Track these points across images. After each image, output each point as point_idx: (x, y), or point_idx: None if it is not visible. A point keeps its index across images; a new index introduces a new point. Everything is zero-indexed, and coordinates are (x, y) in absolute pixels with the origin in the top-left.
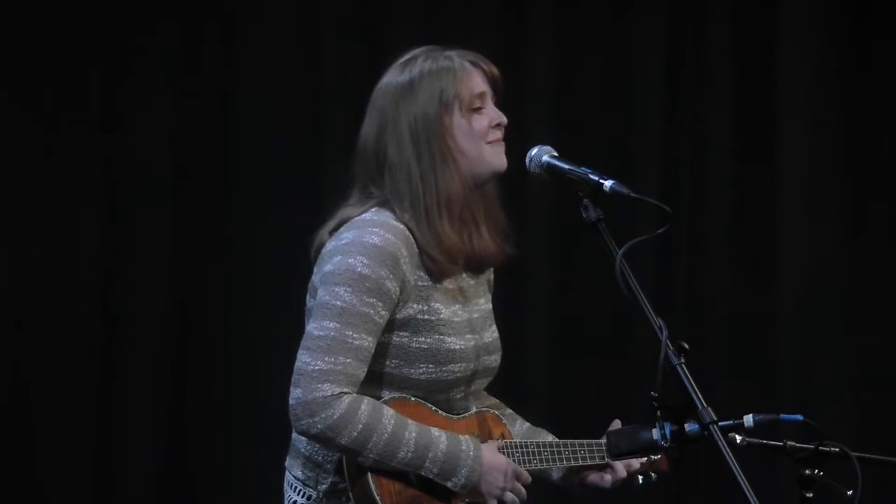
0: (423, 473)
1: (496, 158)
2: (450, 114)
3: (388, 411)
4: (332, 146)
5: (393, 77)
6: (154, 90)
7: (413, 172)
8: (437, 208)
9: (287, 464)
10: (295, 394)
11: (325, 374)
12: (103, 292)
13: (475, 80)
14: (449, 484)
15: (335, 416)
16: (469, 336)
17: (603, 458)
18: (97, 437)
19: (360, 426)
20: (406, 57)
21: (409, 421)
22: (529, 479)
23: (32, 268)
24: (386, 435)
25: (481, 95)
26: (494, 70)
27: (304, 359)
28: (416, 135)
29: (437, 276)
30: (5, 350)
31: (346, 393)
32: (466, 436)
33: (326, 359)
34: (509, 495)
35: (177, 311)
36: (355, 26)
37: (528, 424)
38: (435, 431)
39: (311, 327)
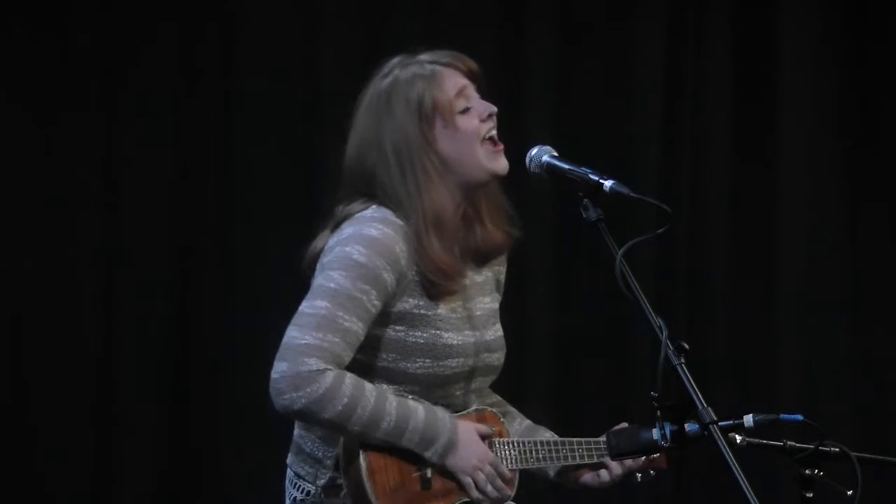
0: (403, 444)
1: (494, 162)
2: (431, 126)
3: (369, 385)
4: (332, 146)
5: (371, 94)
6: (154, 90)
7: (401, 193)
8: (426, 228)
9: (289, 460)
10: (280, 367)
11: (312, 349)
12: (103, 292)
13: (450, 82)
14: (427, 454)
15: (320, 391)
16: (468, 332)
17: (601, 456)
18: (97, 436)
19: (346, 399)
20: (382, 71)
21: (389, 393)
22: (508, 474)
23: (32, 267)
24: (369, 408)
25: (462, 92)
26: (471, 64)
27: (291, 333)
28: (400, 154)
29: (437, 294)
30: (5, 350)
31: (330, 370)
32: (442, 409)
33: (315, 334)
34: (490, 487)
35: (177, 311)
36: (355, 27)
37: (528, 422)
38: (412, 403)
39: (303, 306)
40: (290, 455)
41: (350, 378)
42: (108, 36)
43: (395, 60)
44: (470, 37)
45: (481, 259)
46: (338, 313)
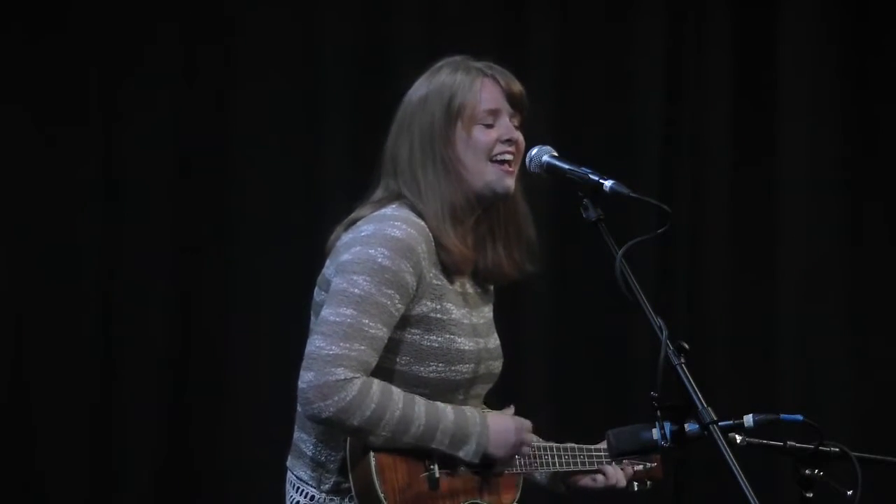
0: (434, 446)
1: (497, 180)
2: (453, 125)
3: (396, 389)
4: (332, 146)
5: (418, 84)
6: (154, 90)
7: (419, 177)
8: (441, 215)
9: (289, 463)
10: (306, 377)
11: (339, 358)
12: (103, 292)
13: (486, 96)
14: (461, 453)
15: (348, 399)
16: (475, 339)
17: (601, 463)
18: (97, 436)
19: (374, 405)
20: (437, 65)
21: (416, 396)
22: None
23: (32, 267)
24: (398, 412)
25: (494, 112)
26: (515, 87)
27: (318, 343)
28: (424, 141)
29: (451, 273)
30: (5, 350)
31: (357, 378)
32: (468, 407)
33: (342, 344)
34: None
35: (177, 311)
36: (355, 27)
37: None
38: (440, 405)
39: (327, 313)
40: (289, 458)
41: (378, 384)
42: (108, 36)
43: (450, 60)
44: (470, 36)
45: (482, 278)
46: (364, 321)
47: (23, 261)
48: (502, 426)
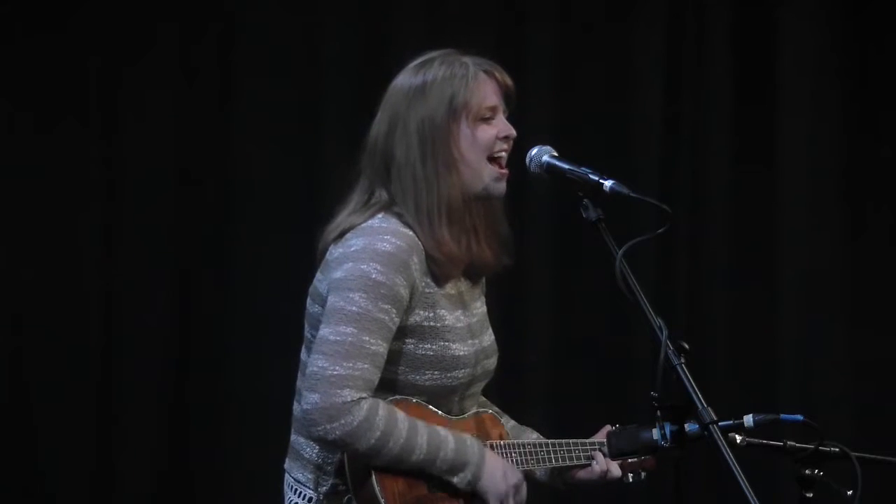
0: (432, 472)
1: (494, 182)
2: (457, 121)
3: (400, 415)
4: (332, 146)
5: (407, 78)
6: (154, 90)
7: (418, 174)
8: (438, 213)
9: (286, 465)
10: (312, 399)
11: (344, 379)
12: (103, 292)
13: (487, 92)
14: (455, 479)
15: (354, 423)
16: (471, 341)
17: (595, 451)
18: (97, 436)
19: (378, 433)
20: (422, 59)
21: (419, 423)
22: (525, 495)
23: (32, 268)
24: (401, 441)
25: (492, 108)
26: (509, 81)
27: (320, 363)
28: (424, 138)
29: (441, 280)
30: (5, 350)
31: (364, 398)
32: (469, 436)
33: (345, 364)
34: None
35: (177, 311)
36: (355, 27)
37: (513, 422)
38: (442, 432)
39: (327, 332)
40: (287, 460)
41: (383, 409)
42: (107, 37)
43: (437, 54)
44: (470, 36)
45: (472, 273)
46: (364, 338)
47: (23, 261)
48: (498, 465)
